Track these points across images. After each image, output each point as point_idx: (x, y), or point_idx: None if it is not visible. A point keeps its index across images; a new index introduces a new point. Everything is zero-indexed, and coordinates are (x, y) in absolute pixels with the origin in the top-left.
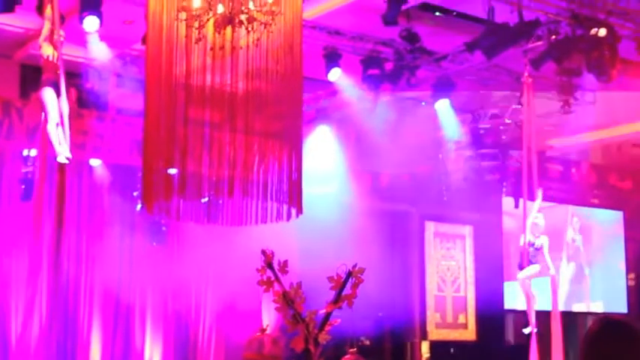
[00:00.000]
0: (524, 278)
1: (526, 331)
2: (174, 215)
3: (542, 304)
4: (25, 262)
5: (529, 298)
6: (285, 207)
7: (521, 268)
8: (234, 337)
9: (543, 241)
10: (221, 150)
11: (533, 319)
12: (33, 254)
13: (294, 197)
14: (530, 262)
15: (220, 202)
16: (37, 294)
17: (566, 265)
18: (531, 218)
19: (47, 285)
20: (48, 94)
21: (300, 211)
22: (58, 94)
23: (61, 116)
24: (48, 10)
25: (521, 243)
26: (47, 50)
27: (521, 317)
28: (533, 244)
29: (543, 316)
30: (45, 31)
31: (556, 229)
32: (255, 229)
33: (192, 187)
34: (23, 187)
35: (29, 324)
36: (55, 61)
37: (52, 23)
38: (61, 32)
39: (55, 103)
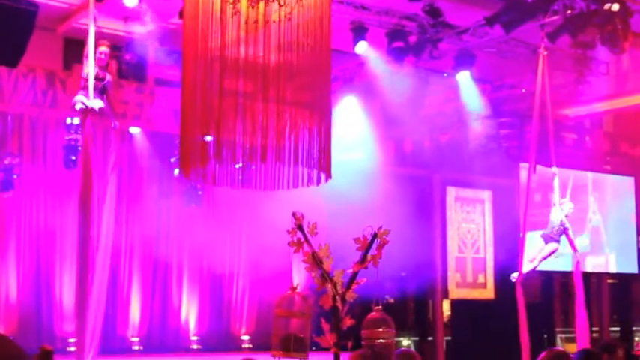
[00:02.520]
0: (535, 257)
1: (512, 276)
2: (210, 180)
3: (559, 265)
4: (68, 225)
5: (521, 255)
6: (315, 172)
7: (545, 240)
8: (265, 295)
9: (569, 225)
10: (254, 118)
11: (521, 270)
12: (77, 218)
13: (323, 163)
14: (552, 239)
15: (253, 167)
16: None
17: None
18: (556, 195)
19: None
20: (79, 97)
21: (329, 176)
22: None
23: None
24: (91, 28)
25: (553, 217)
26: (87, 69)
27: (536, 278)
28: (563, 224)
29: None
30: (87, 50)
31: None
32: (286, 193)
33: (227, 154)
34: (67, 153)
35: (73, 282)
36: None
37: (95, 41)
38: (103, 49)
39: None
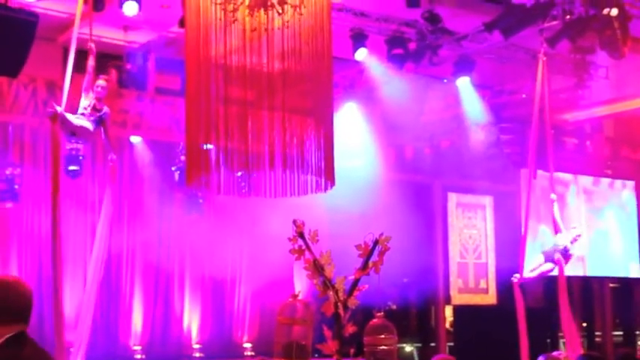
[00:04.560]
0: (536, 268)
1: (515, 276)
2: (215, 188)
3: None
4: (70, 233)
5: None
6: (316, 179)
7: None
8: (267, 303)
9: (574, 251)
10: (255, 126)
11: (522, 272)
12: (79, 225)
13: (326, 170)
14: (551, 260)
15: (254, 175)
16: (82, 262)
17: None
18: (560, 221)
19: (91, 254)
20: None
21: (332, 183)
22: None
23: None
24: (90, 61)
25: (559, 241)
26: (84, 102)
27: (539, 283)
28: (567, 250)
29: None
30: (85, 83)
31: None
32: (286, 201)
33: (232, 162)
34: (68, 162)
35: (75, 291)
36: (89, 111)
37: (91, 74)
38: (101, 82)
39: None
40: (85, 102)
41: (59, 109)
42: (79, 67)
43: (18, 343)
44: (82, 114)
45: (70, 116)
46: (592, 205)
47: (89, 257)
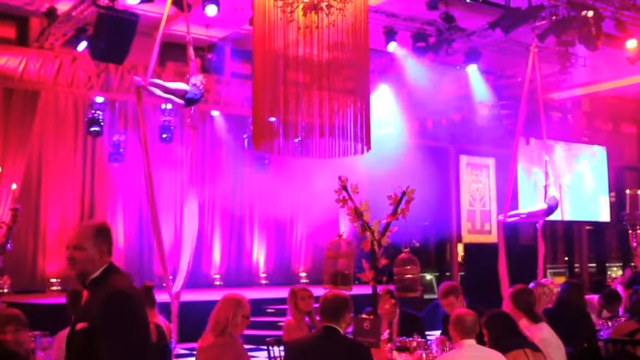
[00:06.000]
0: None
1: (499, 217)
2: (276, 151)
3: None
4: (163, 187)
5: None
6: (358, 144)
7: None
8: (318, 241)
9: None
10: (310, 103)
11: (506, 214)
12: (171, 178)
13: (364, 137)
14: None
15: (307, 141)
16: (174, 207)
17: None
18: (551, 178)
19: (180, 204)
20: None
21: (368, 147)
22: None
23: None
24: (190, 51)
25: (551, 192)
26: (193, 80)
27: (531, 225)
28: (557, 202)
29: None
30: (191, 68)
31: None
32: (333, 161)
33: (290, 130)
34: (161, 131)
35: (168, 232)
36: (200, 87)
37: (192, 60)
38: (200, 77)
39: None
40: (194, 80)
41: (144, 81)
42: (168, 56)
43: (116, 268)
44: (194, 84)
45: (155, 90)
46: (571, 153)
47: (179, 203)
